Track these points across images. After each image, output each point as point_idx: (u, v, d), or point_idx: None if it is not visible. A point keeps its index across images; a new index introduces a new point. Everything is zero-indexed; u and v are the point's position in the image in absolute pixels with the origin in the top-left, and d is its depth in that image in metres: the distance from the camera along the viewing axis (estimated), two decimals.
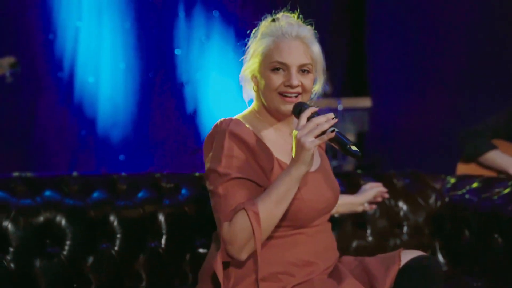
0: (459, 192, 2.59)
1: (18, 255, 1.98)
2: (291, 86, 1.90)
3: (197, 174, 2.40)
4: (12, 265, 1.97)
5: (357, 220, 2.55)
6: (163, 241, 2.22)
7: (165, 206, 2.25)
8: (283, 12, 2.04)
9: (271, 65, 1.92)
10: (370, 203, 2.43)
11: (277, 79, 1.91)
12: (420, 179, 2.69)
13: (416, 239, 2.60)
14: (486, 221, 2.41)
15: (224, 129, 1.89)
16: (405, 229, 2.61)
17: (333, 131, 1.77)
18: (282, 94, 1.92)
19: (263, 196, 1.82)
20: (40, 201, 2.07)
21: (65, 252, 2.06)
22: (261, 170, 1.88)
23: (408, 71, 4.95)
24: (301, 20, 2.03)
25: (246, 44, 2.04)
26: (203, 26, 5.76)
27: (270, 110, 1.97)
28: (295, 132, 1.80)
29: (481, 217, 2.44)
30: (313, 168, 2.00)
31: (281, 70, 1.92)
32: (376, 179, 2.61)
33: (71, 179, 2.18)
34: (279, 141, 1.99)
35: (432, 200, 2.64)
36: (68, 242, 2.07)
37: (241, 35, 6.28)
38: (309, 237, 1.93)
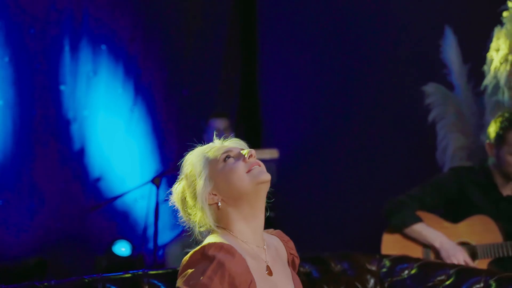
0: (399, 278, 2.55)
1: None
2: (252, 156, 1.91)
3: (139, 272, 2.19)
4: None
5: None
6: None
7: None
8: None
9: (221, 158, 1.91)
10: None
11: (237, 162, 1.91)
12: (356, 261, 2.63)
13: None
14: None
15: (213, 256, 1.78)
16: None
17: None
18: (248, 171, 1.90)
19: None
20: None
21: None
22: None
23: (305, 120, 4.98)
24: None
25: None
26: (90, 60, 5.53)
27: (246, 202, 1.90)
28: None
29: None
30: None
31: (231, 158, 1.92)
32: (313, 263, 2.52)
33: None
34: (256, 262, 1.89)
35: (370, 285, 2.59)
36: None
37: (130, 70, 6.12)
38: None
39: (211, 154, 1.92)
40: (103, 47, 5.56)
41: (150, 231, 5.00)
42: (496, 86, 3.55)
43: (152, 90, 5.80)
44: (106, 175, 5.53)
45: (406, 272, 2.56)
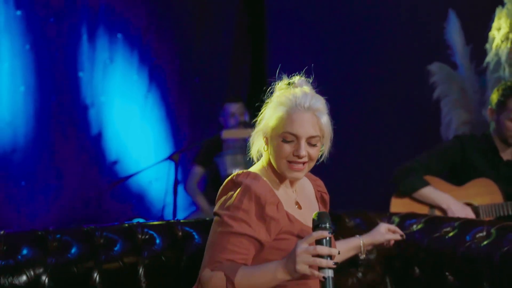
0: (408, 231, 2.77)
1: None
2: (299, 157, 2.03)
3: (172, 220, 2.42)
4: None
5: None
6: None
7: (143, 257, 2.25)
8: (299, 76, 2.13)
9: (283, 135, 2.04)
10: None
11: (287, 148, 2.04)
12: (368, 217, 2.85)
13: (370, 277, 2.75)
14: (437, 260, 2.61)
15: (241, 182, 2.01)
16: (359, 267, 2.76)
17: (325, 277, 1.85)
18: (290, 162, 2.04)
19: (246, 272, 1.93)
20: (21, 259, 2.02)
21: None
22: (266, 226, 1.98)
23: None
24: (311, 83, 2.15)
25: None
26: (106, 48, 5.69)
27: (277, 170, 2.09)
28: (297, 245, 1.86)
29: (431, 256, 2.63)
30: None
31: (291, 141, 2.04)
32: None
33: (49, 235, 2.13)
34: (285, 195, 2.11)
35: None
36: None
37: (145, 58, 6.27)
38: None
39: (285, 118, 2.02)
40: (119, 35, 5.72)
41: (167, 210, 5.19)
42: (498, 63, 3.78)
43: (165, 78, 5.97)
44: (122, 158, 5.70)
45: (414, 226, 2.79)
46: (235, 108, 4.88)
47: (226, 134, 4.50)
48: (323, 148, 2.12)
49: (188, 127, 6.11)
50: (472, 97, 4.07)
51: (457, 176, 3.41)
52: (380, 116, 4.70)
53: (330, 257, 1.85)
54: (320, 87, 2.16)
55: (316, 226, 1.90)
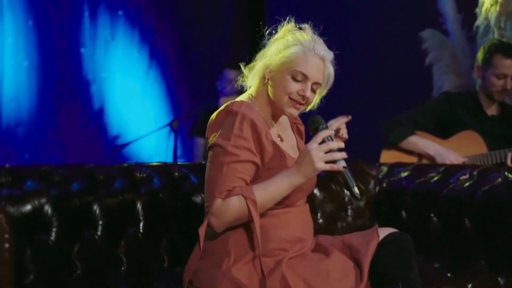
0: (395, 178, 2.89)
1: None
2: (304, 97, 2.10)
3: (168, 163, 2.54)
4: None
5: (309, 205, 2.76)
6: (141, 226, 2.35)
7: (141, 194, 2.36)
8: (308, 25, 2.20)
9: (294, 72, 2.09)
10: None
11: (294, 86, 2.10)
12: (359, 167, 2.96)
13: (360, 222, 2.87)
14: (422, 203, 2.73)
15: (237, 111, 2.05)
16: (349, 212, 2.88)
17: (344, 167, 1.97)
18: (291, 99, 2.11)
19: (261, 188, 2.01)
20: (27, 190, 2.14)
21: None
22: (261, 153, 2.06)
23: None
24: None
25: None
26: (108, 25, 5.78)
27: (272, 103, 2.15)
28: (309, 147, 1.97)
29: (417, 200, 2.75)
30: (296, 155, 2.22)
31: (299, 80, 2.11)
32: None
33: (51, 170, 2.25)
34: (272, 127, 2.19)
35: (371, 186, 2.92)
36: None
37: (145, 36, 6.29)
38: (296, 216, 2.14)
39: (300, 57, 2.07)
40: (120, 12, 5.80)
41: None
42: (487, 27, 3.88)
43: (166, 55, 6.04)
44: (124, 133, 5.80)
45: (402, 174, 2.90)
46: (234, 74, 4.94)
47: (224, 102, 4.57)
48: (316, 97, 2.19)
49: (188, 103, 6.18)
50: (463, 63, 4.18)
51: (443, 130, 3.52)
52: (373, 81, 4.80)
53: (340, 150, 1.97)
54: None
55: (316, 128, 2.02)
